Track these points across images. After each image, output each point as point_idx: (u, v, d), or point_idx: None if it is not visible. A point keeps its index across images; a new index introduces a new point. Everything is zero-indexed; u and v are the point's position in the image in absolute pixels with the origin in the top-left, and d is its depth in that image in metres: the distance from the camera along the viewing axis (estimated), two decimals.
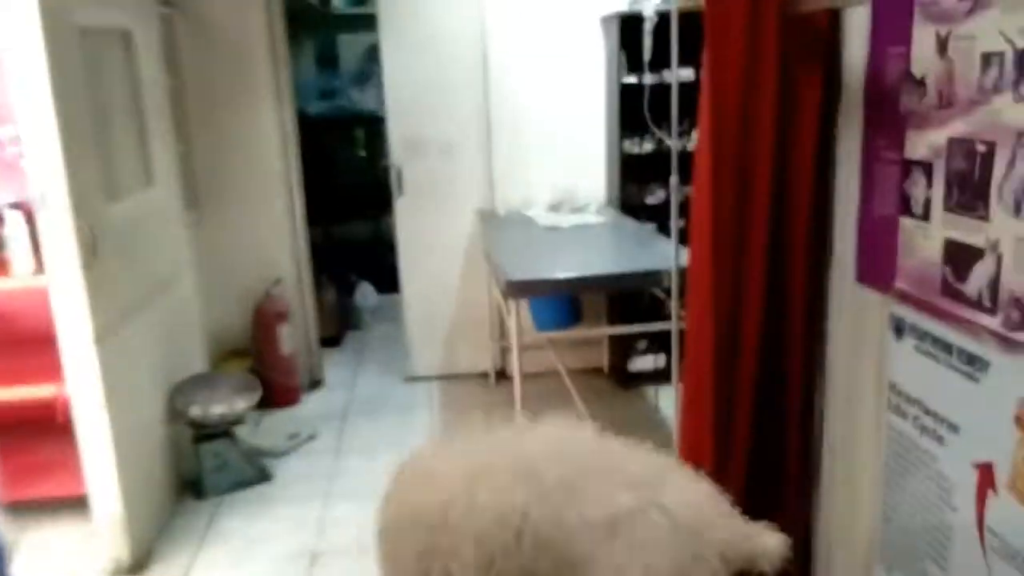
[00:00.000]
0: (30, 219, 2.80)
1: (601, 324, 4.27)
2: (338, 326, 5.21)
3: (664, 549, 1.11)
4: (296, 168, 4.37)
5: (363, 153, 6.36)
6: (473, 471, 1.26)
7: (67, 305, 2.76)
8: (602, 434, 1.31)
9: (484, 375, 4.52)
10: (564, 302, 4.14)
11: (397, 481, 1.41)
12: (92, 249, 2.75)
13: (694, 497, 1.20)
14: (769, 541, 1.15)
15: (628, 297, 4.01)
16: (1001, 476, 1.33)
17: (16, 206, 2.87)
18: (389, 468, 3.26)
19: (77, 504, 3.08)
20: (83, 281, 2.74)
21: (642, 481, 1.20)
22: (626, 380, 4.28)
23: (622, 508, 1.15)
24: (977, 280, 1.37)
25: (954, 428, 1.45)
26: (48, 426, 3.02)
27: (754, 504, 1.92)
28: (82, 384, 2.84)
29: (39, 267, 2.81)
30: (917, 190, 1.50)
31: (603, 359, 4.51)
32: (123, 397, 2.93)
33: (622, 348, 4.29)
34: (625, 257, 3.55)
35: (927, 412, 1.52)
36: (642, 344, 4.25)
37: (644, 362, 4.28)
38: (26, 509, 3.20)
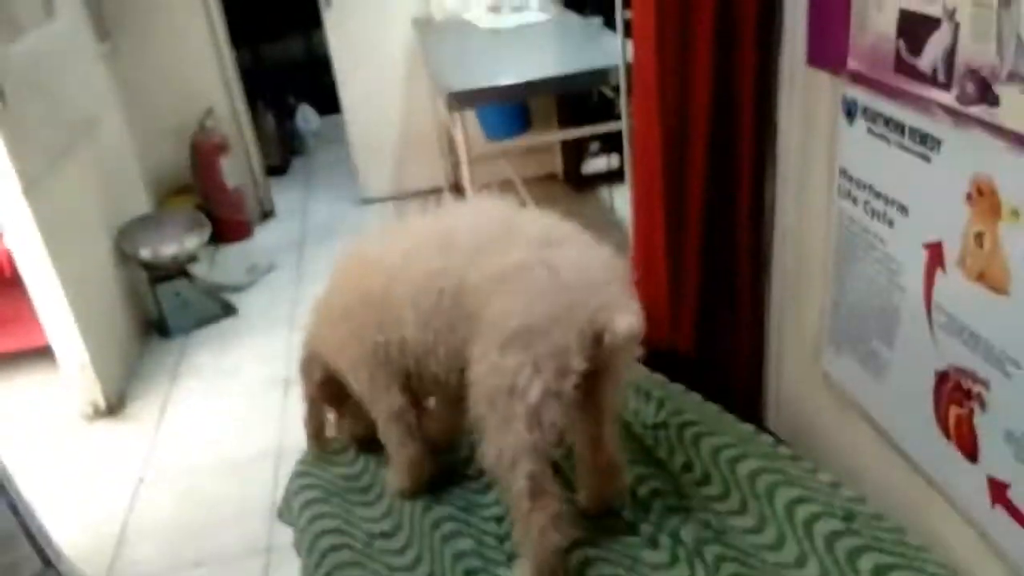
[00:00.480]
0: None
1: (552, 129, 4.15)
2: (282, 153, 5.03)
3: (542, 298, 1.20)
4: None
5: None
6: (407, 249, 1.37)
7: None
8: (518, 207, 1.39)
9: (439, 190, 4.43)
10: (512, 109, 3.99)
11: (344, 270, 1.49)
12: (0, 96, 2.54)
13: (583, 260, 1.25)
14: (619, 320, 1.19)
15: (578, 99, 3.87)
16: (950, 254, 1.32)
17: None
18: None
19: (41, 355, 3.06)
20: None
21: (538, 242, 1.27)
22: (581, 183, 4.24)
23: (513, 262, 1.24)
24: (932, 53, 1.29)
25: (904, 210, 1.42)
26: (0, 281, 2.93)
27: (709, 297, 1.94)
28: (20, 236, 2.72)
29: None
30: None
31: (557, 164, 4.43)
32: (65, 244, 2.83)
33: (575, 152, 4.20)
34: (571, 56, 3.39)
35: (877, 195, 1.49)
36: (595, 146, 4.16)
37: (598, 164, 4.22)
38: None
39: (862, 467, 1.63)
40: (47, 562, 2.10)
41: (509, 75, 2.97)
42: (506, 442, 1.24)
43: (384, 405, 1.49)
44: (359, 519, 1.57)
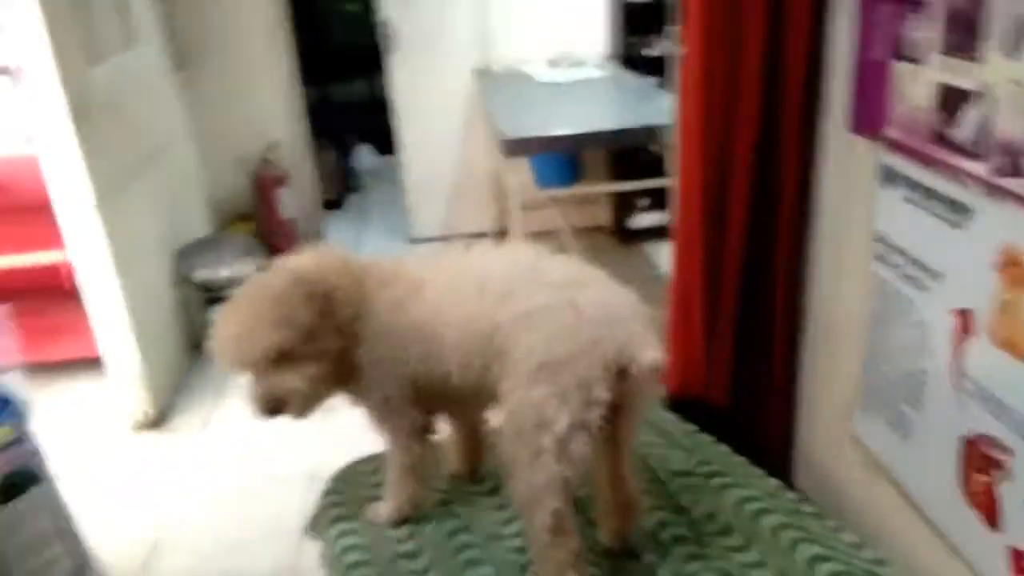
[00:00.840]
0: (17, 85, 2.75)
1: (602, 181, 4.23)
2: (338, 189, 5.19)
3: (566, 333, 1.26)
4: (284, 23, 4.22)
5: (355, 7, 6.12)
6: (447, 285, 1.43)
7: (62, 172, 2.75)
8: (545, 253, 1.45)
9: (486, 235, 4.53)
10: (565, 160, 4.09)
11: (392, 284, 1.50)
12: (82, 114, 2.71)
13: (606, 299, 1.32)
14: (644, 354, 1.25)
15: (629, 153, 3.95)
16: (979, 321, 1.34)
17: (2, 71, 2.80)
18: None
19: (89, 365, 3.18)
20: (77, 147, 2.71)
21: (563, 284, 1.34)
22: (627, 237, 4.30)
23: (538, 303, 1.31)
24: (968, 125, 1.33)
25: (936, 276, 1.45)
26: (56, 292, 3.08)
27: (744, 352, 1.97)
28: (85, 250, 2.87)
29: (30, 134, 2.77)
30: (913, 32, 1.44)
31: (605, 217, 4.51)
32: (128, 261, 2.97)
33: (623, 205, 4.28)
34: (625, 112, 3.48)
35: (911, 261, 1.52)
36: (643, 201, 4.23)
37: (645, 219, 4.28)
38: (41, 371, 3.30)
39: (886, 529, 1.64)
40: (79, 567, 2.17)
41: (563, 127, 3.07)
42: (535, 477, 1.28)
43: (404, 421, 1.54)
44: (384, 538, 1.62)
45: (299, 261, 1.46)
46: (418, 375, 1.45)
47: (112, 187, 2.90)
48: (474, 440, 1.72)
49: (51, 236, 2.89)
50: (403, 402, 1.50)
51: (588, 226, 4.50)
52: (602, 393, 1.24)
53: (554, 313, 1.29)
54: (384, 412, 1.53)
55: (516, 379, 1.29)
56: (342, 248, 1.57)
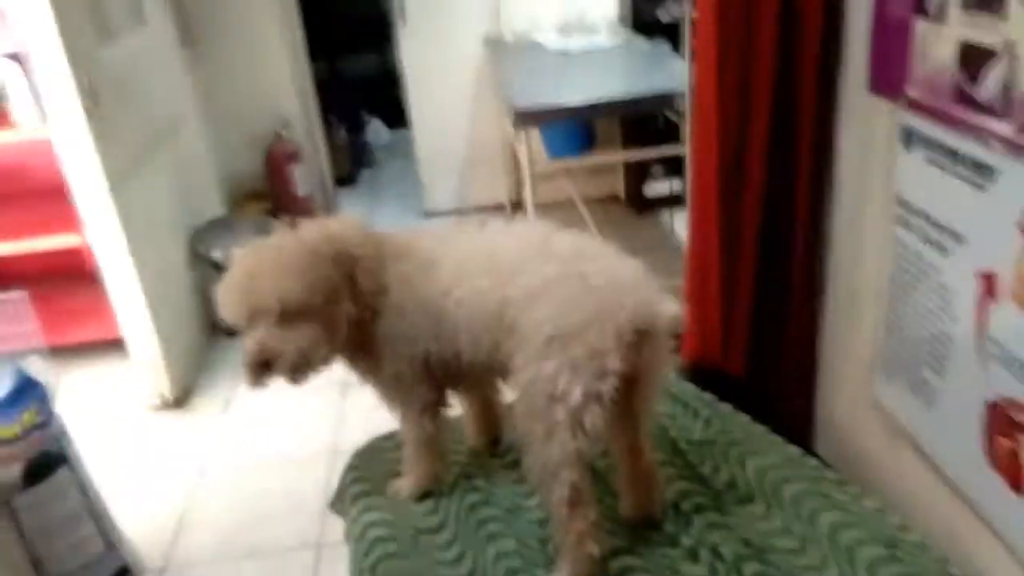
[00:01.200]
0: (28, 69, 2.75)
1: (616, 150, 4.19)
2: (351, 165, 5.18)
3: (577, 305, 1.25)
4: None
5: None
6: (459, 262, 1.43)
7: (76, 155, 2.76)
8: (553, 228, 1.45)
9: (501, 207, 4.51)
10: (577, 129, 4.05)
11: (405, 258, 1.49)
12: (92, 96, 2.71)
13: (614, 267, 1.32)
14: (665, 307, 1.26)
15: (643, 121, 3.91)
16: (1003, 285, 1.33)
17: (13, 57, 2.80)
18: None
19: (113, 347, 3.21)
20: (89, 129, 2.71)
21: (570, 258, 1.34)
22: (642, 206, 4.27)
23: (547, 277, 1.30)
24: (991, 84, 1.30)
25: (958, 238, 1.43)
26: (77, 274, 3.09)
27: (762, 320, 1.96)
28: (102, 232, 2.88)
29: (42, 118, 2.78)
30: None
31: (619, 186, 4.48)
32: (143, 242, 2.98)
33: (638, 174, 4.24)
34: (638, 79, 3.44)
35: (933, 224, 1.50)
36: (658, 169, 4.19)
37: (660, 187, 4.25)
38: (63, 354, 3.34)
39: (909, 495, 1.63)
40: (110, 544, 2.20)
41: (575, 95, 3.04)
42: (550, 452, 1.28)
43: (415, 398, 1.54)
44: (407, 513, 1.63)
45: (327, 224, 1.47)
46: (429, 352, 1.46)
47: (124, 169, 2.91)
48: (489, 413, 1.73)
49: (70, 219, 2.90)
50: (414, 379, 1.50)
51: (603, 196, 4.47)
52: (615, 363, 1.23)
53: (563, 286, 1.28)
54: (395, 389, 1.53)
55: (527, 354, 1.28)
56: (361, 220, 1.57)
